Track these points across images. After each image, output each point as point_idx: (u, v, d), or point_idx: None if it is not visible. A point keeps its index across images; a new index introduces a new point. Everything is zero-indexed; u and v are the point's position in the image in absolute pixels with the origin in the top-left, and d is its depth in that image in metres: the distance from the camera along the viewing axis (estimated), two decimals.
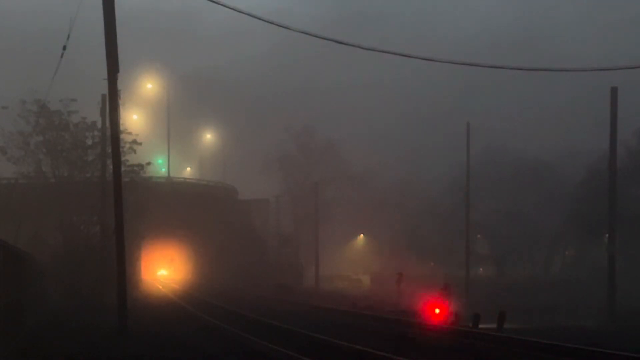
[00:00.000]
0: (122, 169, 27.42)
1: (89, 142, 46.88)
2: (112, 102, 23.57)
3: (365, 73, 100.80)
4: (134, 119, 71.12)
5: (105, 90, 24.82)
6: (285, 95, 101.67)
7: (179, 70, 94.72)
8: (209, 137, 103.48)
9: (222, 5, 22.85)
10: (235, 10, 23.44)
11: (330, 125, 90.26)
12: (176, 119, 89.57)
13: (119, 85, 23.95)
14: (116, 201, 23.10)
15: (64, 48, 26.32)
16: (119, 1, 22.67)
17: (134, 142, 47.74)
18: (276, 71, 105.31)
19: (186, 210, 74.75)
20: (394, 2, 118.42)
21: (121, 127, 28.00)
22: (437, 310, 31.19)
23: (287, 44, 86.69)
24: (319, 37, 26.41)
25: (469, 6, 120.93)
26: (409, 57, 28.38)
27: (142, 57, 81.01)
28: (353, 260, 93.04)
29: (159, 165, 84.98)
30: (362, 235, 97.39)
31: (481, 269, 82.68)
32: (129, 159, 47.13)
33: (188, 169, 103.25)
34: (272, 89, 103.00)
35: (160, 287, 62.84)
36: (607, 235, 46.43)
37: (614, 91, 41.86)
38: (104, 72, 23.68)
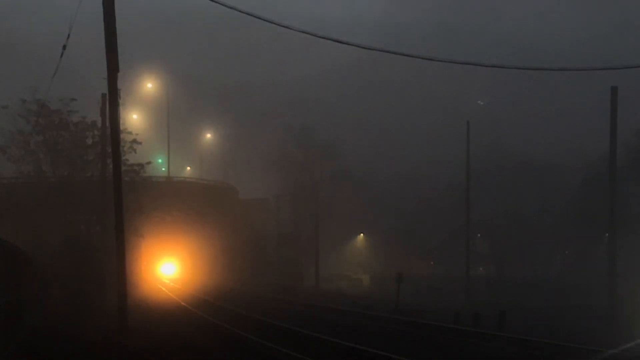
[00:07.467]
0: (122, 168, 27.38)
1: (89, 141, 46.87)
2: (112, 101, 23.50)
3: (375, 75, 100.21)
4: (134, 119, 71.04)
5: (105, 90, 24.75)
6: (287, 94, 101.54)
7: (182, 71, 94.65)
8: (209, 136, 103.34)
9: (221, 4, 22.80)
10: (235, 10, 23.38)
11: (331, 125, 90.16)
12: (177, 118, 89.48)
13: (119, 85, 23.87)
14: (116, 201, 23.05)
15: (64, 47, 26.22)
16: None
17: (134, 141, 47.78)
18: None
19: (186, 209, 74.66)
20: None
21: (121, 127, 27.97)
22: None
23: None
24: (317, 37, 26.32)
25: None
26: (409, 56, 28.30)
27: (141, 57, 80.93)
28: (353, 260, 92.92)
29: (159, 165, 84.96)
30: (362, 235, 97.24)
31: (481, 269, 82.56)
32: (129, 158, 47.13)
33: (188, 168, 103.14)
34: (275, 89, 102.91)
35: (161, 286, 62.77)
36: (607, 234, 46.34)
37: (614, 91, 41.69)
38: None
